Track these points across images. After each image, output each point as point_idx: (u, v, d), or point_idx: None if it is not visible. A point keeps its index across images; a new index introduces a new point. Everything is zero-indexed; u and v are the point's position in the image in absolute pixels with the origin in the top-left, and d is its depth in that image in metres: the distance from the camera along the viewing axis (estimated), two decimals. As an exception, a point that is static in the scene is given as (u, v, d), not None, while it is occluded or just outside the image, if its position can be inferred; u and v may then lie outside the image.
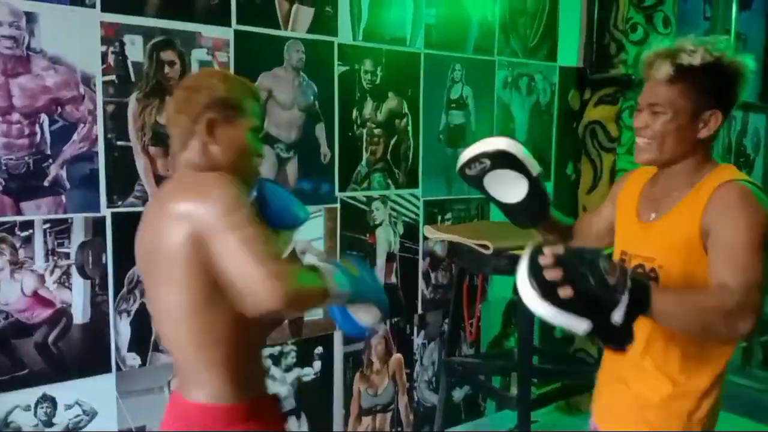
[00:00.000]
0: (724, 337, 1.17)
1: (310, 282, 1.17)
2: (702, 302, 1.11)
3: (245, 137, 1.29)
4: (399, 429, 2.79)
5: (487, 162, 1.35)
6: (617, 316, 1.02)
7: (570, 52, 3.20)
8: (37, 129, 1.83)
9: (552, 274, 1.02)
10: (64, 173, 1.88)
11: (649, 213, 1.35)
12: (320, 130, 2.41)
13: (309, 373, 2.49)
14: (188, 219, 1.14)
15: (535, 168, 1.37)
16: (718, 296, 1.13)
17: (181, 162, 1.30)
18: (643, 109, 1.30)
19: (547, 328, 3.27)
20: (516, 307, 3.07)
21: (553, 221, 1.52)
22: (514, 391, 2.72)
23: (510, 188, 1.37)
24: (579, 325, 1.02)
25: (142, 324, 2.04)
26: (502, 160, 1.36)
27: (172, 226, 1.16)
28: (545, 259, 1.03)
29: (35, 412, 1.88)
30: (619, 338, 1.06)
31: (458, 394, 2.99)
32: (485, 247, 2.21)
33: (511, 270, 2.32)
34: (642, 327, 1.28)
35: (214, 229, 1.12)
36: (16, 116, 1.79)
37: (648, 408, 1.30)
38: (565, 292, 1.01)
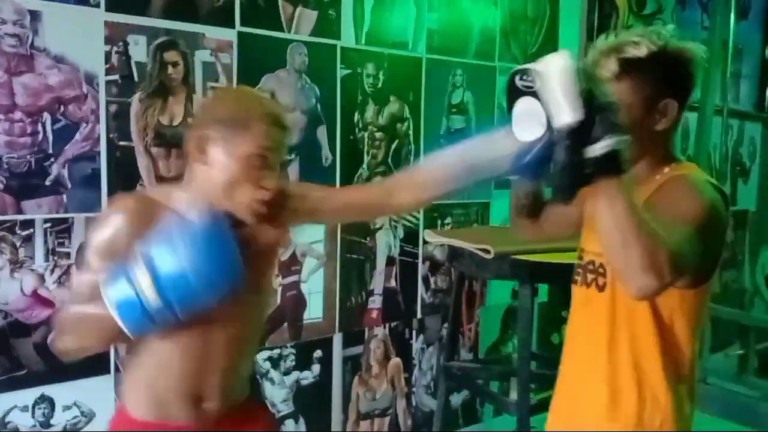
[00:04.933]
0: (628, 274, 1.01)
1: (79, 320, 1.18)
2: (646, 226, 1.00)
3: (239, 162, 1.15)
4: (397, 434, 2.78)
5: (531, 81, 1.11)
6: (599, 147, 0.94)
7: (570, 59, 3.21)
8: (40, 128, 1.82)
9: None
10: (65, 172, 1.87)
11: None
12: (322, 133, 2.40)
13: (308, 376, 2.48)
14: None
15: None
16: (656, 236, 1.01)
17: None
18: None
19: (545, 334, 3.27)
20: (514, 312, 3.07)
21: (539, 188, 1.42)
22: (512, 396, 2.72)
23: (533, 125, 1.11)
24: (571, 112, 0.94)
25: (141, 325, 2.03)
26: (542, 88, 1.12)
27: None
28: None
29: (33, 413, 1.87)
30: (572, 178, 0.98)
31: (456, 399, 2.99)
32: (486, 251, 2.21)
33: (512, 275, 2.34)
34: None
35: None
36: (18, 114, 1.79)
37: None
38: (586, 89, 0.94)
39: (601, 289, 1.28)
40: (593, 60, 1.23)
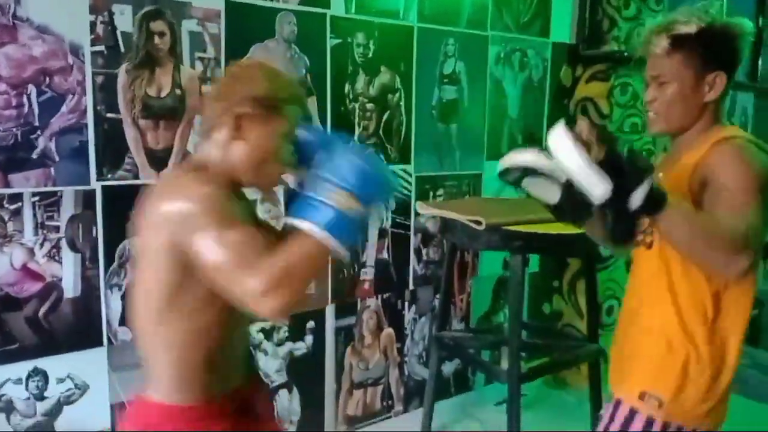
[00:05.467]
0: (718, 265, 1.17)
1: (298, 263, 1.06)
2: (710, 223, 1.16)
3: (273, 141, 1.19)
4: (389, 402, 2.81)
5: (518, 173, 1.32)
6: (637, 197, 1.05)
7: (563, 28, 3.18)
8: (25, 100, 1.80)
9: (588, 134, 1.06)
10: (52, 145, 1.85)
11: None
12: (312, 105, 2.38)
13: (301, 347, 2.49)
14: (165, 224, 1.09)
15: (561, 175, 1.28)
16: (724, 225, 1.16)
17: (193, 156, 1.26)
18: (650, 83, 1.36)
19: (536, 304, 3.30)
20: (506, 283, 3.09)
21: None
22: (503, 365, 2.75)
23: (548, 191, 1.33)
24: (599, 185, 1.04)
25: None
26: (530, 171, 1.31)
27: (151, 229, 1.13)
28: (582, 126, 1.07)
29: (26, 386, 1.88)
30: (626, 229, 1.10)
31: (448, 368, 3.02)
32: (478, 222, 2.21)
33: (503, 246, 2.35)
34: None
35: (192, 234, 1.07)
36: (2, 87, 1.76)
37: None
38: (598, 152, 1.04)
39: (649, 246, 1.39)
40: (646, 38, 1.34)
